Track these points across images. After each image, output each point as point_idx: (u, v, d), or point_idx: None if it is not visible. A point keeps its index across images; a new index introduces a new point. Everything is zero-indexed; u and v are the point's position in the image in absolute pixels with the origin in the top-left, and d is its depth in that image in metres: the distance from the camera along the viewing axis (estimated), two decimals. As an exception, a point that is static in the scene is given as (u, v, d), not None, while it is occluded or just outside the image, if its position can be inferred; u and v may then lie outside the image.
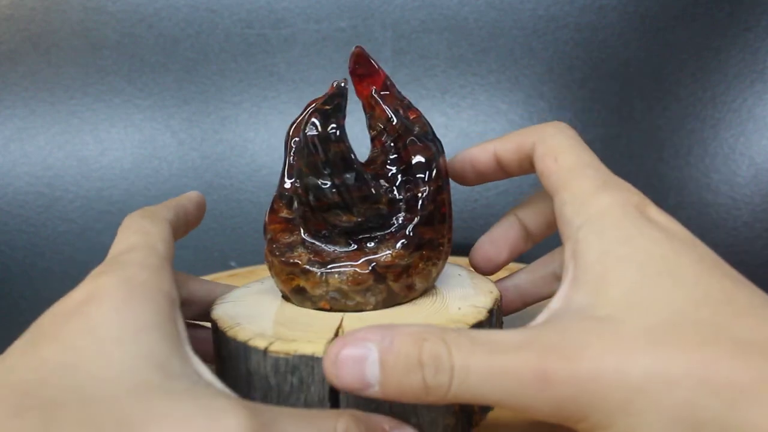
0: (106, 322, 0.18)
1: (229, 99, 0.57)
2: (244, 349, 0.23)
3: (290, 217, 0.27)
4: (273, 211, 0.28)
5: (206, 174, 0.58)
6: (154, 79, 0.57)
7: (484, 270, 0.29)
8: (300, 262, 0.26)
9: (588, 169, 0.23)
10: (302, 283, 0.26)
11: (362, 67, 0.28)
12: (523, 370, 0.17)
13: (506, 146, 0.27)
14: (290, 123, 0.27)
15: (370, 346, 0.18)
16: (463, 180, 0.29)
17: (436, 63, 0.56)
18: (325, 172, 0.25)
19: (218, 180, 0.58)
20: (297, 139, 0.27)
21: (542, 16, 0.55)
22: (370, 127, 0.29)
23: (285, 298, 0.28)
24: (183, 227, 0.27)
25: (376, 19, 0.56)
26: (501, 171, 0.28)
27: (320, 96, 0.26)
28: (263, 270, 0.49)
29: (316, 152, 0.25)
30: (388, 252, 0.26)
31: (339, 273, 0.26)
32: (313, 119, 0.25)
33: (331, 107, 0.25)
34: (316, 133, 0.24)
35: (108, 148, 0.58)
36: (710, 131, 0.55)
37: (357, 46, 0.28)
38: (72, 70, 0.57)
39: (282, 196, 0.28)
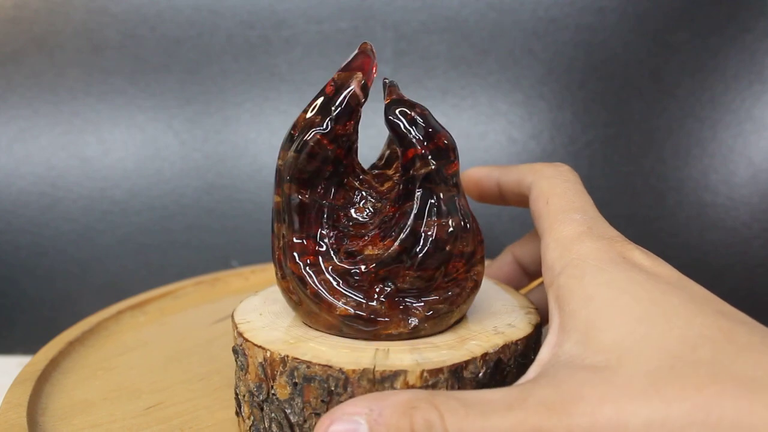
0: None
1: (231, 99, 0.58)
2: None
3: None
4: None
5: (208, 174, 0.59)
6: (156, 80, 0.57)
7: None
8: None
9: (575, 213, 0.23)
10: None
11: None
12: (519, 430, 0.17)
13: (508, 178, 0.27)
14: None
15: (359, 419, 0.17)
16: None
17: (437, 64, 0.57)
18: None
19: (220, 180, 0.59)
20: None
21: (542, 18, 0.55)
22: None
23: None
24: None
25: (377, 20, 0.56)
26: (502, 200, 0.28)
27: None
28: (265, 269, 0.49)
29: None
30: None
31: None
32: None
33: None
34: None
35: (110, 148, 0.58)
36: (709, 132, 0.55)
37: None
38: (75, 70, 0.57)
39: None
